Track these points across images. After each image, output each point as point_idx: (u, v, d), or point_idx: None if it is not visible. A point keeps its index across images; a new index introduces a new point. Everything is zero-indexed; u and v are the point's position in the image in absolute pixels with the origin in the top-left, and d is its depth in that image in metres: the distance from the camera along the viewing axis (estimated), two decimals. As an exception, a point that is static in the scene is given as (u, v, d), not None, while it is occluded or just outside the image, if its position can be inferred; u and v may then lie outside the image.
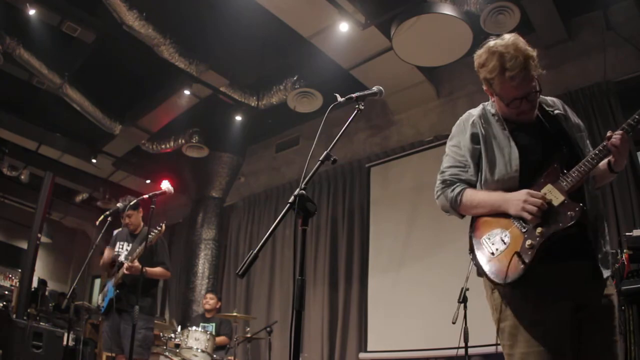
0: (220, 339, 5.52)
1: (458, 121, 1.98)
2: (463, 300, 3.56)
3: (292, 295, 1.57)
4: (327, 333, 6.11)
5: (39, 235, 7.07)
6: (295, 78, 6.16)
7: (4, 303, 6.27)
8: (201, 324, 5.68)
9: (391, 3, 4.86)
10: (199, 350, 4.81)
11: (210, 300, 5.96)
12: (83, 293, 10.62)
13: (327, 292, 6.31)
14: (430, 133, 6.10)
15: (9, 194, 10.02)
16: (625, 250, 3.60)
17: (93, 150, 8.21)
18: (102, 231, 4.18)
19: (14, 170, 8.77)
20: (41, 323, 6.15)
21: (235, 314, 5.41)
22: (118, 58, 6.43)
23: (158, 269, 4.15)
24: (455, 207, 1.89)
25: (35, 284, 8.36)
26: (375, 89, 2.03)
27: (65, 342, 5.46)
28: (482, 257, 1.77)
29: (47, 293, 9.30)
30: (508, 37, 1.77)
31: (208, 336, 4.96)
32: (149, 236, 3.82)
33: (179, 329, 5.26)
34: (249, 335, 5.33)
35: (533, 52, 1.76)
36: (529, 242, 1.66)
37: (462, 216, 1.94)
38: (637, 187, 4.41)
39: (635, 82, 4.76)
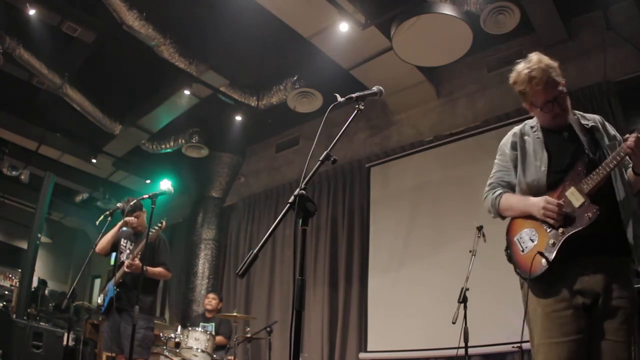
0: (219, 338, 5.52)
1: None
2: (463, 300, 3.57)
3: (292, 295, 1.57)
4: (327, 333, 6.11)
5: (39, 235, 7.08)
6: (295, 78, 6.16)
7: (4, 303, 6.28)
8: (201, 324, 5.68)
9: (391, 3, 4.86)
10: (199, 350, 4.81)
11: (212, 301, 5.96)
12: (83, 293, 10.63)
13: (327, 292, 6.31)
14: (430, 133, 6.10)
15: (9, 194, 10.01)
16: (625, 250, 3.59)
17: (93, 150, 8.20)
18: (102, 231, 4.18)
19: (14, 170, 8.77)
20: (41, 323, 6.15)
21: (235, 314, 5.41)
22: (118, 58, 6.42)
23: (159, 269, 4.14)
24: (496, 209, 2.10)
25: (35, 284, 8.36)
26: (375, 89, 2.04)
27: (65, 342, 5.47)
28: (515, 255, 1.98)
29: (47, 293, 9.30)
30: (532, 55, 2.03)
31: (208, 336, 4.96)
32: (150, 233, 3.82)
33: (179, 329, 5.25)
34: (249, 335, 5.33)
35: (554, 63, 2.01)
36: (552, 241, 1.86)
37: (503, 217, 2.11)
38: (637, 187, 4.41)
39: (635, 82, 4.76)
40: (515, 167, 2.09)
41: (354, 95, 1.96)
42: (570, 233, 1.83)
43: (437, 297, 5.09)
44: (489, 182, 2.16)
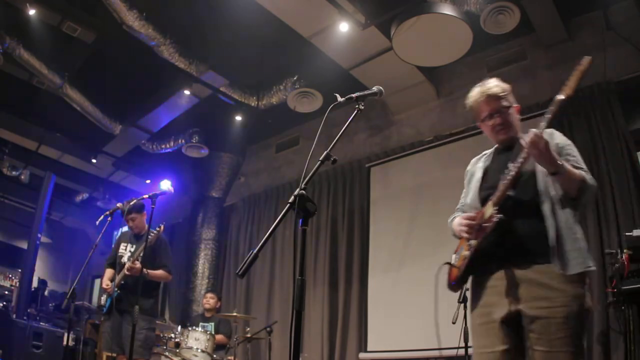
0: (218, 337, 5.52)
1: None
2: (463, 300, 3.56)
3: (292, 295, 1.57)
4: (327, 333, 6.11)
5: (39, 235, 7.08)
6: (295, 78, 6.16)
7: (4, 303, 6.27)
8: (200, 324, 5.68)
9: (391, 3, 4.86)
10: (199, 350, 4.81)
11: (210, 300, 5.96)
12: (83, 293, 10.62)
13: (327, 292, 6.30)
14: (430, 133, 6.10)
15: (9, 194, 10.01)
16: (625, 250, 3.60)
17: (93, 150, 8.20)
18: (102, 231, 4.17)
19: (14, 170, 8.77)
20: (41, 323, 6.15)
21: (235, 314, 5.41)
22: (118, 58, 6.42)
23: (159, 272, 4.13)
24: (452, 232, 2.17)
25: (35, 284, 8.36)
26: (375, 89, 2.04)
27: (65, 342, 5.47)
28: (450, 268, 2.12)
29: (47, 293, 9.29)
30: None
31: (208, 336, 4.96)
32: (148, 237, 3.83)
33: (178, 329, 5.25)
34: (249, 335, 5.33)
35: (506, 85, 2.15)
36: (465, 253, 1.97)
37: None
38: (637, 187, 4.41)
39: (635, 82, 4.75)
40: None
41: (354, 95, 1.96)
42: (478, 243, 1.90)
43: (437, 297, 5.08)
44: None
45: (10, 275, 8.37)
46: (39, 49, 5.91)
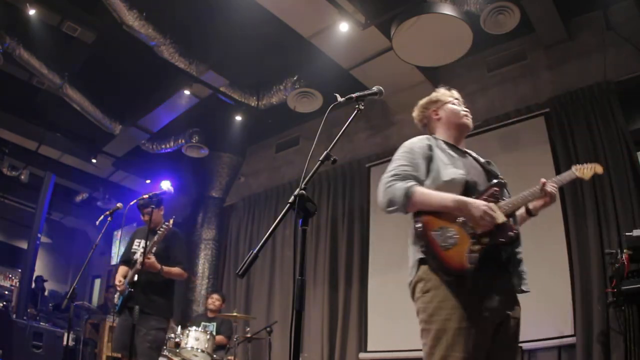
0: (219, 337, 5.52)
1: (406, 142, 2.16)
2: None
3: (292, 295, 1.57)
4: (327, 333, 6.11)
5: (39, 235, 7.08)
6: (295, 78, 6.16)
7: (4, 303, 6.27)
8: (202, 323, 5.68)
9: (391, 3, 4.85)
10: (199, 350, 4.81)
11: (216, 302, 5.95)
12: (83, 293, 10.63)
13: (327, 292, 6.30)
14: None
15: (9, 194, 10.02)
16: (625, 250, 3.61)
17: (93, 150, 8.21)
18: (102, 231, 4.16)
19: (14, 170, 8.77)
20: (41, 323, 6.15)
21: (235, 314, 5.41)
22: (118, 58, 6.41)
23: (175, 269, 3.97)
24: (406, 200, 1.91)
25: (33, 284, 8.35)
26: (375, 89, 2.04)
27: (65, 342, 5.47)
28: (435, 250, 1.87)
29: (46, 293, 9.29)
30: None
31: (208, 336, 4.96)
32: (157, 232, 3.76)
33: (178, 329, 5.25)
34: (249, 335, 5.33)
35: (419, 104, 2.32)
36: (476, 246, 1.83)
37: (406, 212, 1.98)
38: (637, 187, 4.41)
39: (635, 82, 4.75)
40: (427, 165, 2.02)
41: (354, 95, 1.95)
42: (493, 243, 1.85)
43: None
44: (390, 173, 1.99)
45: (10, 275, 8.37)
46: (39, 49, 5.90)
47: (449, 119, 2.21)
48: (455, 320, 1.76)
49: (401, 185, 1.92)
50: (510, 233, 1.88)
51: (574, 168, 2.12)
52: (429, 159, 2.03)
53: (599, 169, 2.13)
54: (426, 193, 1.92)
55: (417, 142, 2.10)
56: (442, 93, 2.28)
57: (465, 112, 2.22)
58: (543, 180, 2.01)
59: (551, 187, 2.01)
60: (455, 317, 1.77)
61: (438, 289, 1.83)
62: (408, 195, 1.89)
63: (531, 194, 2.01)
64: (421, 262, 1.92)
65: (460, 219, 1.88)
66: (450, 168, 1.99)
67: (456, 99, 2.27)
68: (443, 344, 1.76)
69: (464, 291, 1.80)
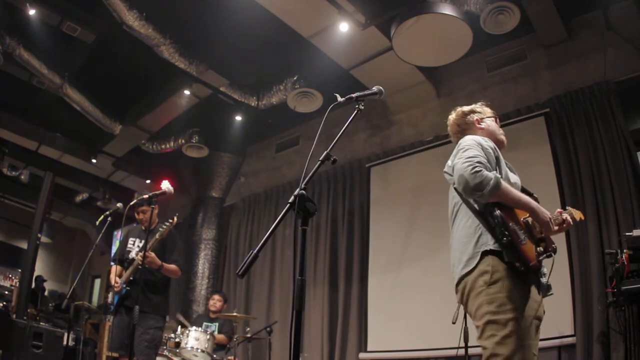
0: (219, 337, 5.52)
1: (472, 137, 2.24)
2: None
3: (292, 295, 1.57)
4: (327, 333, 6.10)
5: (39, 235, 7.07)
6: (295, 78, 6.16)
7: (4, 303, 6.27)
8: (204, 323, 5.68)
9: (391, 3, 4.86)
10: (199, 350, 4.81)
11: (217, 303, 5.95)
12: (83, 293, 10.63)
13: (327, 292, 6.30)
14: (430, 133, 6.09)
15: (9, 194, 10.02)
16: (625, 250, 3.60)
17: (93, 150, 8.21)
18: (102, 231, 4.16)
19: (14, 170, 8.77)
20: (41, 323, 6.15)
21: (235, 314, 5.41)
22: (118, 58, 6.42)
23: (172, 266, 3.95)
24: (496, 189, 1.96)
25: (34, 283, 8.35)
26: (375, 89, 2.04)
27: (65, 342, 5.46)
28: (514, 240, 1.94)
29: (46, 293, 9.28)
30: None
31: (208, 336, 4.96)
32: (160, 229, 3.75)
33: (178, 329, 5.25)
34: (249, 335, 5.33)
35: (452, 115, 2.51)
36: (540, 248, 2.02)
37: (487, 200, 2.02)
38: (637, 187, 4.41)
39: (635, 82, 4.75)
40: (497, 163, 2.15)
41: (354, 95, 1.96)
42: (545, 252, 2.02)
43: (437, 297, 5.09)
44: (474, 160, 1.99)
45: (10, 275, 8.38)
46: (39, 49, 5.91)
47: (490, 132, 2.36)
48: (526, 310, 1.87)
49: (492, 175, 1.97)
50: (554, 245, 2.07)
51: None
52: (497, 159, 2.16)
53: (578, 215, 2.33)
54: (510, 188, 2.03)
55: (484, 142, 2.17)
56: (484, 107, 2.48)
57: (502, 131, 2.42)
58: (560, 210, 2.23)
59: (569, 218, 2.22)
60: (526, 307, 1.88)
61: (505, 280, 1.90)
62: (498, 185, 1.96)
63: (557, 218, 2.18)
64: (486, 253, 1.96)
65: (527, 219, 2.05)
66: (511, 172, 2.21)
67: (496, 117, 2.46)
68: (518, 332, 1.82)
69: (528, 285, 1.94)
